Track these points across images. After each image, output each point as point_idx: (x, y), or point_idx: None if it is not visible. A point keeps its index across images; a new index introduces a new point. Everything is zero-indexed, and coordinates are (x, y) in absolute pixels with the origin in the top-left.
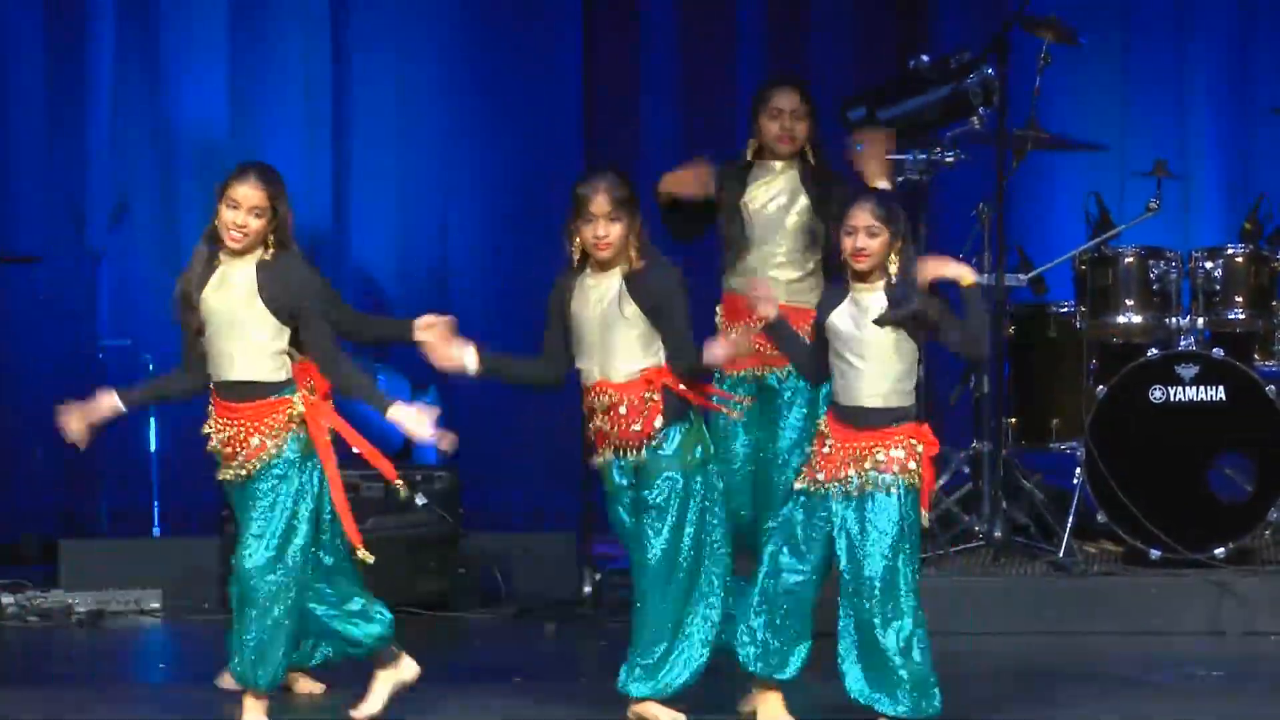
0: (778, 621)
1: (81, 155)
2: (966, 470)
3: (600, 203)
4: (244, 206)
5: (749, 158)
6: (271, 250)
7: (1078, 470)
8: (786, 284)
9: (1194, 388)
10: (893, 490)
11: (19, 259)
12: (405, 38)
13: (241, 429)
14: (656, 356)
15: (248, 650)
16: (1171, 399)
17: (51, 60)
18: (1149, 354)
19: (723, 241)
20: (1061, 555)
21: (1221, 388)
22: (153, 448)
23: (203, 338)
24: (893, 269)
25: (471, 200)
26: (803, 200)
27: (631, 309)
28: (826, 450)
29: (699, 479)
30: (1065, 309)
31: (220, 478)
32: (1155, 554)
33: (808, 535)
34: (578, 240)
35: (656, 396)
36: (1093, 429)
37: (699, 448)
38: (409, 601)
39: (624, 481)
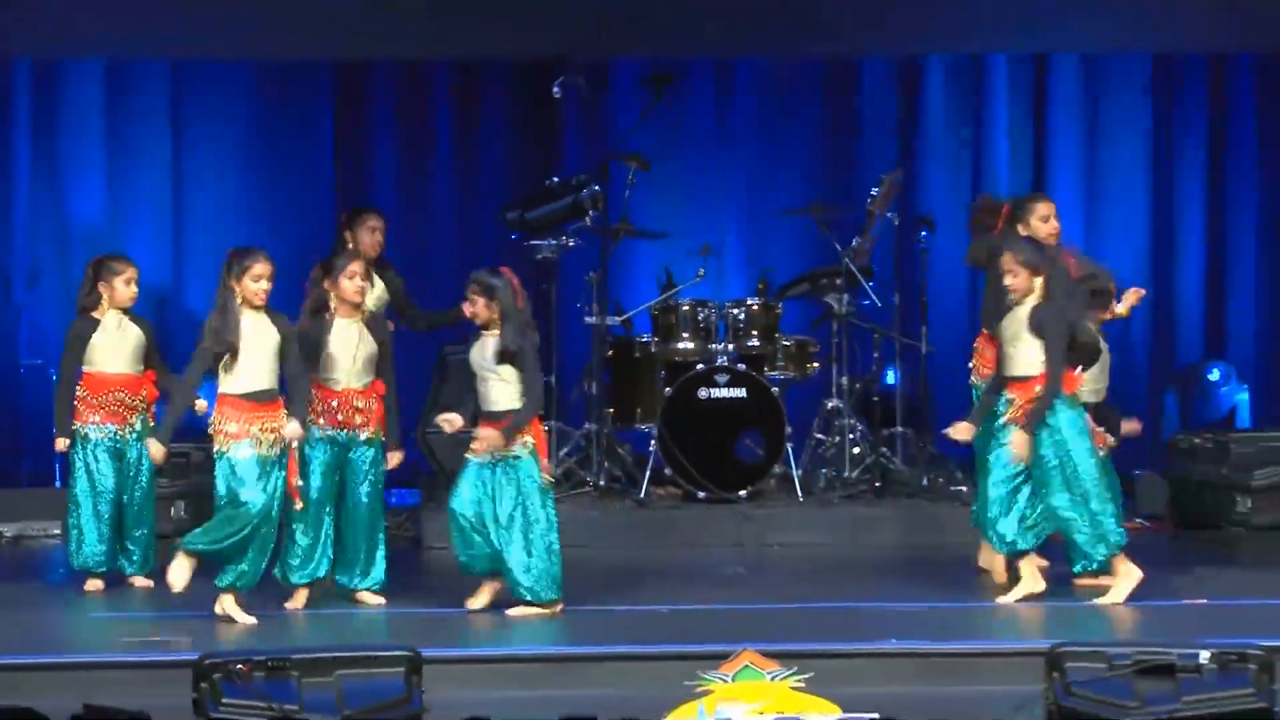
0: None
1: (6, 239)
2: (582, 442)
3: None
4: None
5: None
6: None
7: (653, 442)
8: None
9: (726, 389)
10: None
11: None
12: (222, 159)
13: None
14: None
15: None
16: (712, 396)
17: None
18: (698, 368)
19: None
20: (642, 496)
21: (744, 389)
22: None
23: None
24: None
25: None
26: (379, 285)
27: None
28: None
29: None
30: (645, 339)
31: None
32: (702, 495)
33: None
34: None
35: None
36: (663, 415)
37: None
38: None
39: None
